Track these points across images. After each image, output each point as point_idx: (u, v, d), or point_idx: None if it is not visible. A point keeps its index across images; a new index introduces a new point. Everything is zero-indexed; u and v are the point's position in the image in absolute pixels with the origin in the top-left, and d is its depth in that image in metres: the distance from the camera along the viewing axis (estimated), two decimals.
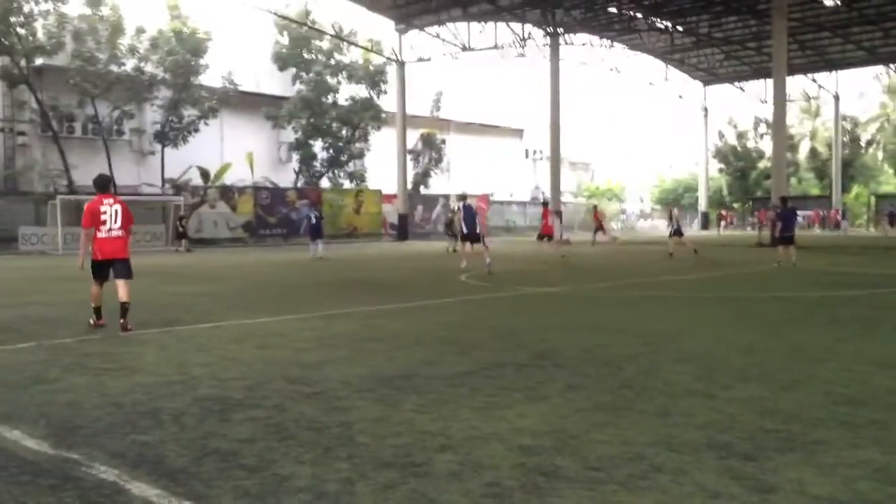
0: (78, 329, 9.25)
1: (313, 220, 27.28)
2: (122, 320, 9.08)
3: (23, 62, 32.57)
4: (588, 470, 4.10)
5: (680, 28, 46.09)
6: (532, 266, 21.41)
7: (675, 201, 67.44)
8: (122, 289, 9.19)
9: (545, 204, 29.50)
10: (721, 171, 69.66)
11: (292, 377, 6.46)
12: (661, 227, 71.43)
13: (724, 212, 62.07)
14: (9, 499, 3.76)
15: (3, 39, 31.20)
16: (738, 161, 68.47)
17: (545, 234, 25.40)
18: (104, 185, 9.89)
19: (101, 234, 9.38)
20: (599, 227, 34.76)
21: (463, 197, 20.35)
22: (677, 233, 25.19)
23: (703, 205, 64.65)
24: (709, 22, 44.33)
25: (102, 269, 9.42)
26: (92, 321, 9.46)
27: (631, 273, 18.57)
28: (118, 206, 9.52)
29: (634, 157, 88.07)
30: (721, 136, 68.34)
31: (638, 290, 14.39)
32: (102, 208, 9.40)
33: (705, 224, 62.54)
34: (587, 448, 4.48)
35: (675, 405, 5.47)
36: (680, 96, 60.43)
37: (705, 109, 62.76)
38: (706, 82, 61.16)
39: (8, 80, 33.37)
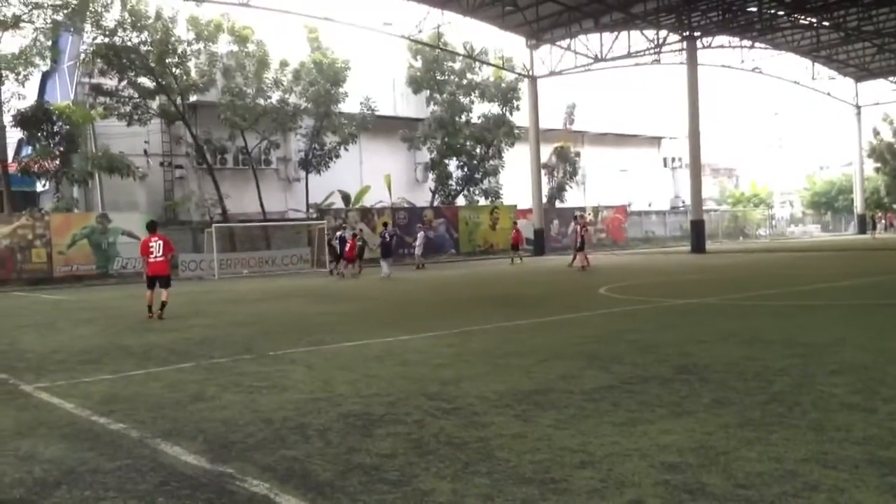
0: (233, 349, 9.76)
1: (387, 238, 27.42)
2: (160, 311, 14.03)
3: (178, 100, 34.86)
4: (736, 488, 3.94)
5: (826, 23, 43.70)
6: (669, 278, 20.84)
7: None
8: (163, 294, 14.32)
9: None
10: (877, 170, 65.28)
11: (431, 393, 6.56)
12: (813, 232, 67.94)
13: (880, 213, 58.10)
14: None
15: (160, 80, 33.47)
16: (895, 159, 64.05)
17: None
18: (153, 227, 15.18)
19: (151, 259, 14.41)
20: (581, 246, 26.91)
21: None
22: (581, 247, 26.40)
23: (858, 207, 60.88)
24: (857, 15, 41.71)
25: (151, 282, 14.48)
26: (148, 315, 14.07)
27: (777, 282, 17.70)
28: (161, 241, 14.49)
29: (782, 161, 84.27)
30: (876, 133, 64.10)
31: (786, 299, 13.73)
32: (151, 243, 14.49)
33: (862, 227, 58.81)
34: (735, 465, 4.30)
35: (830, 420, 5.17)
36: (829, 94, 57.30)
37: (858, 107, 59.17)
38: (858, 78, 57.65)
39: (165, 118, 35.75)
